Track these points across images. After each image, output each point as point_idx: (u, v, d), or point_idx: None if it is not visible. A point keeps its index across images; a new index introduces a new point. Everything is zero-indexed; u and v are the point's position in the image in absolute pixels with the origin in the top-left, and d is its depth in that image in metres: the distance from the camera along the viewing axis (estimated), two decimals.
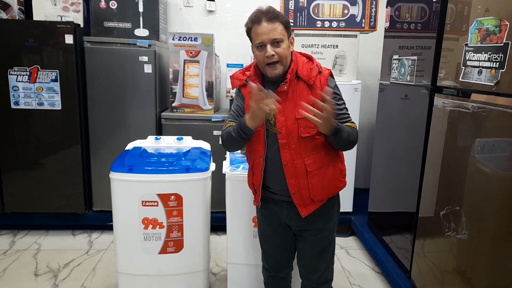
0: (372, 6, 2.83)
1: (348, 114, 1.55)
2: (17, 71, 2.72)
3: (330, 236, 1.63)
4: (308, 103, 1.39)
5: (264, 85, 1.50)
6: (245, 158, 2.13)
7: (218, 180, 2.33)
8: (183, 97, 2.97)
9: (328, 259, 1.64)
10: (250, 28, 1.45)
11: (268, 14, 1.42)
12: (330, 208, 1.60)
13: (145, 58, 2.83)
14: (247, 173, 1.90)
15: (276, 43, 1.42)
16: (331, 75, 1.53)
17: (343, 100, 1.55)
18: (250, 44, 1.51)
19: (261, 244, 1.76)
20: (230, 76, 1.63)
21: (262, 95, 1.33)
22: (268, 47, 1.42)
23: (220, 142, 1.63)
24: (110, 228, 2.92)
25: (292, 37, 1.50)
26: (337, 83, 1.57)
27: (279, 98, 1.39)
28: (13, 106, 2.76)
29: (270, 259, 1.74)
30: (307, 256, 1.63)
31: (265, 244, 1.73)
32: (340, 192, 1.65)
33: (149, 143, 2.25)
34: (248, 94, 1.45)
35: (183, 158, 2.03)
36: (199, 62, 2.92)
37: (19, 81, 2.73)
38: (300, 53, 1.57)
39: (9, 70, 2.71)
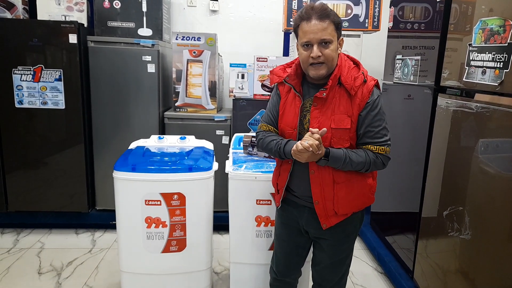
0: (376, 6, 2.83)
1: (383, 135, 1.40)
2: (21, 70, 2.73)
3: (348, 250, 1.56)
4: (345, 113, 1.35)
5: (303, 86, 1.45)
6: (248, 158, 2.14)
7: (221, 180, 2.33)
8: (186, 96, 2.97)
9: (343, 271, 1.58)
10: (298, 24, 1.36)
11: (319, 12, 1.31)
12: (353, 222, 1.52)
13: (148, 58, 2.84)
14: (250, 172, 1.92)
15: (324, 43, 1.33)
16: (377, 86, 1.41)
17: (383, 119, 1.40)
18: (296, 42, 1.41)
19: (274, 246, 1.73)
20: (270, 71, 1.54)
21: (318, 144, 1.28)
22: (315, 47, 1.32)
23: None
24: (113, 227, 2.93)
25: (342, 38, 1.40)
26: None
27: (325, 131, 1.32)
28: (17, 105, 2.77)
29: (279, 262, 1.69)
30: (322, 264, 1.58)
31: (277, 246, 1.69)
32: None
33: (152, 142, 2.25)
34: (286, 93, 1.44)
35: (186, 158, 2.04)
36: (202, 62, 2.92)
37: (23, 81, 2.75)
38: (348, 56, 1.46)
39: (13, 69, 2.72)
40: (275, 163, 1.65)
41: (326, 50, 1.33)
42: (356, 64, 1.44)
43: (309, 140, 1.29)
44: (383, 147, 1.40)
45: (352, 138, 1.39)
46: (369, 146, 1.39)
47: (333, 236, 1.51)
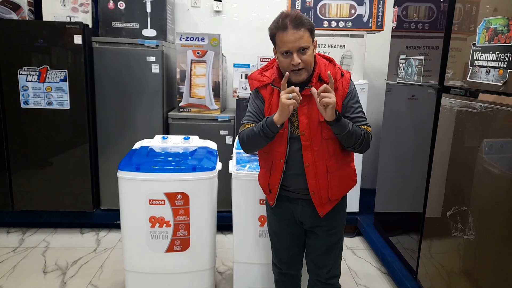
0: (379, 6, 2.83)
1: (364, 118, 1.55)
2: (27, 71, 2.76)
3: (340, 233, 1.67)
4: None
5: (288, 87, 1.49)
6: (251, 158, 2.14)
7: (225, 180, 2.34)
8: (190, 97, 2.98)
9: (336, 255, 1.68)
10: (275, 33, 1.43)
11: (294, 21, 1.38)
12: (342, 205, 1.65)
13: (152, 58, 2.86)
14: (253, 172, 1.92)
15: (302, 50, 1.41)
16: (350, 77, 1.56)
17: (360, 103, 1.56)
18: (273, 47, 1.49)
19: (272, 242, 1.77)
20: (248, 77, 1.62)
21: (292, 89, 1.38)
22: (295, 55, 1.40)
23: (239, 143, 1.63)
24: (117, 226, 2.93)
25: (315, 40, 1.49)
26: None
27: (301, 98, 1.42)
28: (22, 106, 2.80)
29: (282, 256, 1.75)
30: (318, 251, 1.65)
31: (276, 242, 1.74)
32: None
33: (156, 142, 2.27)
34: (269, 95, 1.54)
35: (189, 158, 2.05)
36: (206, 62, 2.93)
37: (28, 81, 2.77)
38: (319, 54, 1.57)
39: (19, 70, 2.75)
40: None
41: (304, 56, 1.42)
42: (330, 60, 1.56)
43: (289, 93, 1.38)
44: (366, 126, 1.53)
45: None
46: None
47: (328, 222, 1.61)
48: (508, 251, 1.43)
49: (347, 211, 1.72)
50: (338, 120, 1.40)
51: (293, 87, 1.39)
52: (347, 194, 1.68)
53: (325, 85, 1.37)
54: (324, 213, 1.57)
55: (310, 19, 1.52)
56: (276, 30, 1.42)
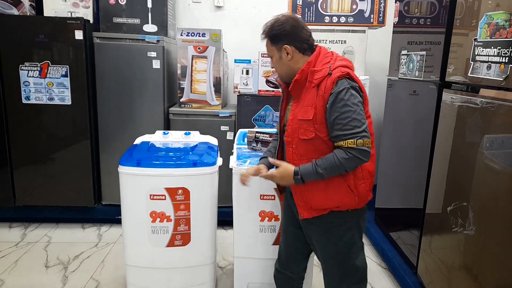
0: (381, 1, 2.82)
1: (355, 127, 1.33)
2: (28, 66, 2.76)
3: (336, 253, 1.50)
4: (311, 104, 1.41)
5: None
6: (252, 153, 2.15)
7: (226, 176, 2.34)
8: (191, 92, 2.98)
9: (338, 278, 1.54)
10: None
11: (262, 32, 1.51)
12: (335, 225, 1.48)
13: (153, 54, 2.86)
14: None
15: (270, 58, 1.54)
16: (349, 78, 1.37)
17: (350, 107, 1.33)
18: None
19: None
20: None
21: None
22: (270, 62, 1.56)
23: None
24: (119, 221, 2.94)
25: (285, 46, 1.46)
26: None
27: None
28: (24, 101, 2.80)
29: (281, 252, 1.76)
30: (319, 258, 1.61)
31: (281, 238, 1.77)
32: None
33: (157, 137, 2.27)
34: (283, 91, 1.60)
35: (190, 153, 2.05)
36: (207, 58, 2.93)
37: (30, 77, 2.77)
38: (329, 53, 1.49)
39: (20, 65, 2.75)
40: None
41: (272, 63, 1.55)
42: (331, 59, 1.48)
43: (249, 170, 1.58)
44: (352, 140, 1.32)
45: (318, 130, 1.40)
46: (340, 142, 1.35)
47: (313, 231, 1.55)
48: (508, 246, 1.43)
49: None
50: (297, 175, 1.41)
51: (260, 169, 1.55)
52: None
53: (266, 174, 1.51)
54: (304, 217, 1.50)
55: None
56: None
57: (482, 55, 1.60)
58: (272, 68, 1.58)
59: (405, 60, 2.37)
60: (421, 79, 2.14)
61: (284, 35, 1.46)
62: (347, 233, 1.49)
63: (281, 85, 1.59)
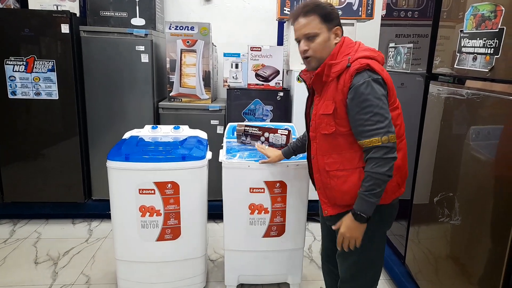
0: None
1: (377, 122, 1.27)
2: (14, 61, 2.72)
3: (358, 250, 1.40)
4: (331, 98, 1.35)
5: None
6: (242, 147, 2.15)
7: (217, 169, 2.34)
8: (180, 86, 2.97)
9: (351, 273, 1.50)
10: (293, 24, 1.43)
11: (304, 8, 1.37)
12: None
13: (141, 48, 2.83)
14: (243, 161, 1.93)
15: (310, 38, 1.37)
16: (370, 70, 1.29)
17: (371, 102, 1.27)
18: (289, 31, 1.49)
19: None
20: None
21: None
22: (302, 42, 1.39)
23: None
24: (109, 216, 2.91)
25: (337, 28, 1.39)
26: None
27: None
28: (10, 96, 2.76)
29: (322, 246, 1.76)
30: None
31: (321, 228, 1.75)
32: None
33: (146, 132, 2.26)
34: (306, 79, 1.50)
35: (179, 147, 2.04)
36: (196, 52, 2.91)
37: (15, 71, 2.73)
38: (352, 43, 1.41)
39: (5, 60, 2.71)
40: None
41: (312, 44, 1.38)
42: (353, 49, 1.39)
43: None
44: (377, 138, 1.27)
45: (338, 124, 1.36)
46: (364, 140, 1.30)
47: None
48: (494, 235, 1.46)
49: None
50: (356, 216, 1.32)
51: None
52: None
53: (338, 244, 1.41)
54: (328, 213, 1.46)
55: (321, 6, 1.39)
56: (292, 20, 1.44)
57: (468, 47, 1.62)
58: (305, 48, 1.38)
59: (392, 52, 2.39)
60: (409, 71, 2.16)
61: (336, 16, 1.40)
62: (369, 225, 1.38)
63: (306, 80, 1.50)
